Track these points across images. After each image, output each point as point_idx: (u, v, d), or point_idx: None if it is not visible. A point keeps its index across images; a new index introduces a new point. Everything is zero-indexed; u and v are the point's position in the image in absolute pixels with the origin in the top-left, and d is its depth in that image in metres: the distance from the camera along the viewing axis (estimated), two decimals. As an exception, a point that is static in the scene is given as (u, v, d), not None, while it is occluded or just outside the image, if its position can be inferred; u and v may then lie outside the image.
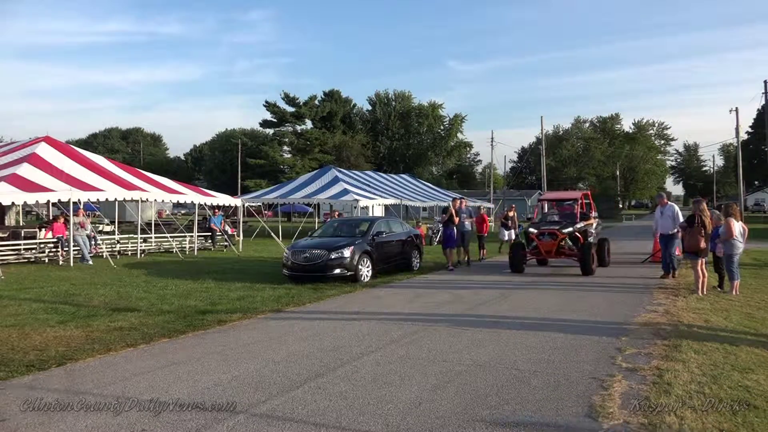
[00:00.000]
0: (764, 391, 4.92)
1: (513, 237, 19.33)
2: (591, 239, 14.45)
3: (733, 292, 10.28)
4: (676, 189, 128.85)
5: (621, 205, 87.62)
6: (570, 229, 14.03)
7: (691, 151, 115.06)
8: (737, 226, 10.31)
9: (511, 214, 20.31)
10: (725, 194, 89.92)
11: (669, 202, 13.19)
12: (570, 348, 6.49)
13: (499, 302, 9.83)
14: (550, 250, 13.95)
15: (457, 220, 15.48)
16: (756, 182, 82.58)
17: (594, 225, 15.11)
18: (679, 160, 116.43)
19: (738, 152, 43.67)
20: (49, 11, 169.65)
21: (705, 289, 10.36)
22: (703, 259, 10.46)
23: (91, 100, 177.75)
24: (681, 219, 12.52)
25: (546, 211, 16.61)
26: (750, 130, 77.53)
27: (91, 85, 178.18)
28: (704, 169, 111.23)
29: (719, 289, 10.85)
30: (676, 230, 12.56)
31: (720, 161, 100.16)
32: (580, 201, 15.80)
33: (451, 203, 16.78)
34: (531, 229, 14.36)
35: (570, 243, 14.14)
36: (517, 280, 12.89)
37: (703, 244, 10.27)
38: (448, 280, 13.04)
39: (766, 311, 8.79)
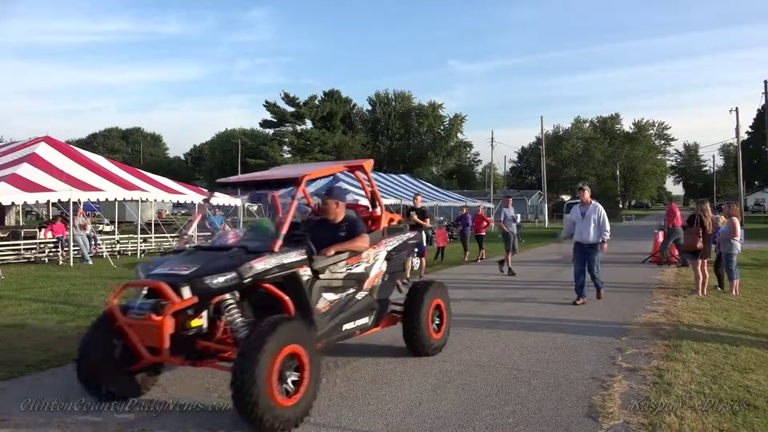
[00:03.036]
0: (764, 391, 4.92)
1: None
2: (340, 297, 5.38)
3: (733, 292, 10.29)
4: (676, 189, 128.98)
5: (621, 205, 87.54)
6: (227, 277, 4.44)
7: (691, 151, 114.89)
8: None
9: None
10: (725, 194, 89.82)
11: (593, 201, 9.74)
12: (570, 348, 6.49)
13: (499, 302, 9.83)
14: (153, 347, 4.35)
15: (427, 222, 12.89)
16: (756, 182, 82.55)
17: (375, 254, 5.81)
18: (679, 160, 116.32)
19: (738, 152, 43.61)
20: (49, 11, 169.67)
21: (705, 290, 10.36)
22: (705, 260, 10.45)
23: (91, 100, 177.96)
24: (608, 227, 9.51)
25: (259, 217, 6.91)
26: (750, 130, 77.51)
27: (91, 85, 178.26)
28: (704, 169, 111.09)
29: (719, 288, 10.86)
30: (600, 240, 9.47)
31: (720, 161, 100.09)
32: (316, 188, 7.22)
33: (413, 200, 13.36)
34: (141, 275, 4.77)
35: (237, 322, 4.63)
36: (517, 279, 12.89)
37: (700, 245, 10.26)
38: (448, 280, 12.97)
39: (766, 311, 8.79)
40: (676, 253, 15.99)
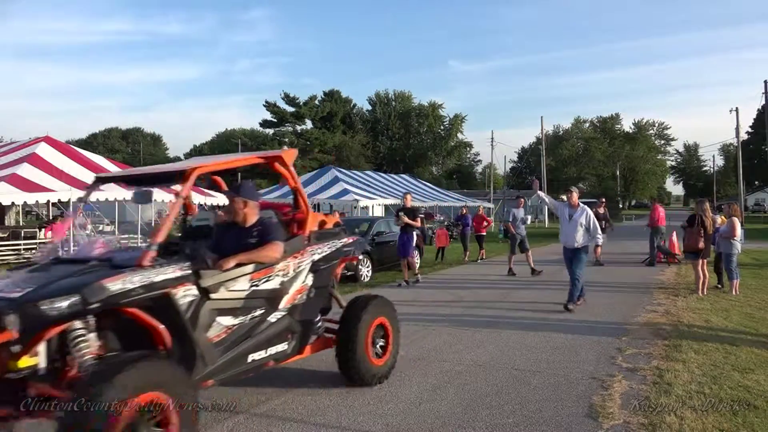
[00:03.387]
0: (764, 391, 4.92)
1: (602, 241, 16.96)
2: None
3: (733, 292, 10.30)
4: (676, 189, 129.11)
5: (621, 205, 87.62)
6: (70, 301, 3.29)
7: (691, 151, 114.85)
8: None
9: (601, 210, 16.42)
10: (725, 194, 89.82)
11: (581, 204, 9.18)
12: (570, 348, 6.49)
13: (499, 302, 9.83)
14: None
15: (418, 222, 12.23)
16: (756, 182, 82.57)
17: (297, 265, 4.72)
18: (679, 160, 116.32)
19: (738, 152, 43.63)
20: (49, 11, 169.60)
21: (705, 290, 10.36)
22: (705, 260, 10.46)
23: (91, 100, 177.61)
24: (599, 232, 9.09)
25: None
26: (750, 130, 77.50)
27: (91, 85, 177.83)
28: (704, 169, 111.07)
29: (719, 286, 10.87)
30: (586, 245, 9.05)
31: (720, 161, 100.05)
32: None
33: (402, 199, 12.76)
34: None
35: (86, 359, 3.47)
36: (517, 279, 12.89)
37: (701, 245, 10.26)
38: (448, 280, 13.04)
39: (766, 311, 8.80)
40: (678, 253, 15.99)
